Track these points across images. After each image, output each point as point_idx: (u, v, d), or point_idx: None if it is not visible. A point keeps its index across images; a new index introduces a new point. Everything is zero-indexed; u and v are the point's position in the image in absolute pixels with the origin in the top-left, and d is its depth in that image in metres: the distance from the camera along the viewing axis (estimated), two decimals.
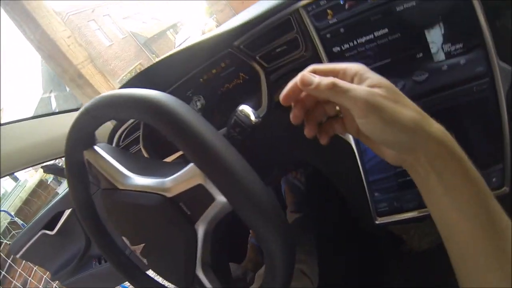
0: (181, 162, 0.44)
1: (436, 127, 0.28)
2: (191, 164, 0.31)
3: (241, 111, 0.36)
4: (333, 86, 0.28)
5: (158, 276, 0.46)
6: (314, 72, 0.31)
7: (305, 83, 0.30)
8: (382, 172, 0.49)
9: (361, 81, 0.29)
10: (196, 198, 0.31)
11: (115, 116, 0.37)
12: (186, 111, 0.28)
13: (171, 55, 0.55)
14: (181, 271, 0.38)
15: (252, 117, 0.36)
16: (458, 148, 0.28)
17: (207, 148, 0.27)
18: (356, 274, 0.71)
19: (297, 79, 0.31)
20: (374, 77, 0.29)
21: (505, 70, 0.42)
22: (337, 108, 0.34)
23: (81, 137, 0.42)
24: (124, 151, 0.46)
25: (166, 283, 0.50)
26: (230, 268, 0.69)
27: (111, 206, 0.43)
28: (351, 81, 0.30)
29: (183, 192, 0.32)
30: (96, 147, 0.43)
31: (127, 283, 1.97)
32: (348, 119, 0.34)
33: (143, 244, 0.41)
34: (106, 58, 11.47)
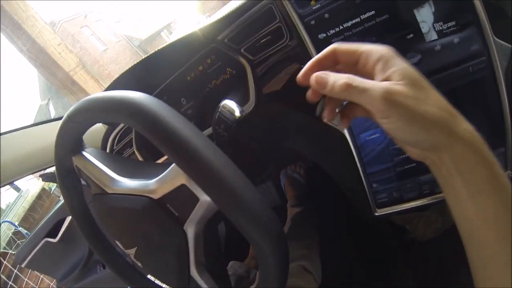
0: (169, 163, 0.44)
1: (464, 127, 0.26)
2: (173, 165, 0.30)
3: (224, 106, 0.35)
4: (348, 87, 0.27)
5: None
6: (335, 52, 0.30)
7: (320, 84, 0.28)
8: (381, 164, 0.48)
9: (384, 68, 0.27)
10: (182, 198, 0.31)
11: (96, 120, 0.37)
12: (163, 109, 0.28)
13: (154, 54, 0.54)
14: (175, 273, 0.37)
15: (236, 112, 0.35)
16: (488, 151, 0.26)
17: (185, 147, 0.26)
18: (361, 268, 0.70)
19: (313, 61, 0.30)
20: (400, 65, 0.27)
21: (503, 47, 0.40)
22: None
23: (68, 143, 0.42)
24: (113, 155, 0.46)
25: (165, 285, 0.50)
26: (227, 267, 0.68)
27: (102, 211, 0.43)
28: (374, 67, 0.28)
29: (168, 193, 0.31)
30: (84, 153, 0.43)
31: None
32: None
33: (136, 248, 0.40)
34: (102, 63, 11.47)
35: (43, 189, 2.84)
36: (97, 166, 0.40)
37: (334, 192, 0.73)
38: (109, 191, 0.38)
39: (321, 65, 0.30)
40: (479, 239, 0.27)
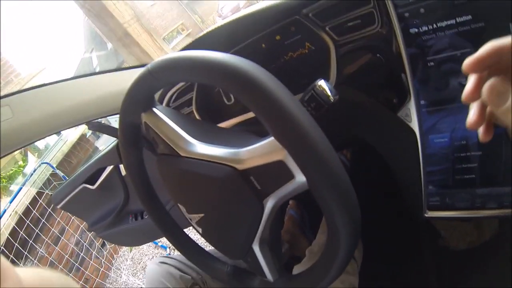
0: (245, 131, 0.43)
1: None
2: (271, 138, 0.29)
3: (320, 86, 0.34)
4: None
5: (209, 245, 0.46)
6: (498, 50, 0.25)
7: (497, 98, 0.23)
8: (441, 168, 0.47)
9: None
10: (272, 173, 0.30)
11: (181, 79, 0.36)
12: (274, 84, 0.27)
13: (235, 20, 0.53)
14: (239, 245, 0.38)
15: (331, 94, 0.34)
16: None
17: (295, 126, 0.26)
18: (392, 262, 0.71)
19: (487, 50, 0.25)
20: None
21: None
22: None
23: (141, 98, 0.40)
24: (184, 116, 0.44)
25: (200, 241, 0.51)
26: (281, 245, 0.69)
27: (169, 173, 0.42)
28: None
29: (257, 166, 0.30)
30: (155, 110, 0.41)
31: (158, 240, 2.12)
32: None
33: (202, 214, 0.40)
34: (148, 17, 11.33)
35: (82, 135, 2.94)
36: (170, 126, 0.39)
37: (378, 179, 0.73)
38: (182, 154, 0.37)
39: (481, 66, 0.26)
40: None
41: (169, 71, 0.33)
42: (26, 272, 0.23)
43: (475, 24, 0.40)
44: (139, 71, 0.84)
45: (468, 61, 0.26)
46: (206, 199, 0.38)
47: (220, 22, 0.54)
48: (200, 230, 0.43)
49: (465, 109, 0.43)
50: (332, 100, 0.34)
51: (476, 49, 0.40)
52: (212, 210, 0.39)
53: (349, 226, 0.28)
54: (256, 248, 0.37)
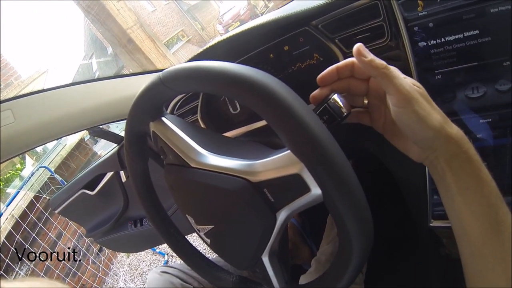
0: (255, 142, 0.43)
1: (456, 130, 0.31)
2: (287, 152, 0.28)
3: (334, 99, 0.34)
4: (385, 67, 0.31)
5: (215, 254, 0.45)
6: (353, 65, 0.35)
7: (361, 53, 0.32)
8: None
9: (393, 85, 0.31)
10: (287, 186, 0.30)
11: (195, 89, 0.35)
12: (293, 97, 0.27)
13: (244, 30, 0.53)
14: (248, 256, 0.37)
15: (345, 108, 0.34)
16: (474, 150, 0.31)
17: (314, 141, 0.25)
18: (395, 269, 0.71)
19: (341, 63, 0.35)
20: (410, 80, 0.33)
21: None
22: (365, 101, 0.37)
23: (150, 107, 0.39)
24: (193, 125, 0.44)
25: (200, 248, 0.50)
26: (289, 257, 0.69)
27: (178, 183, 0.41)
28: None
29: (272, 179, 0.30)
30: (164, 119, 0.40)
31: (156, 247, 2.10)
32: (376, 113, 0.37)
33: (213, 226, 0.39)
34: (148, 24, 11.43)
35: (81, 140, 2.92)
36: (180, 136, 0.38)
37: (381, 187, 0.73)
38: (193, 165, 0.36)
39: (339, 73, 0.36)
40: (467, 232, 0.32)
41: (183, 80, 0.33)
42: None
43: (482, 39, 0.41)
44: (140, 78, 0.85)
45: (321, 75, 0.37)
46: (217, 211, 0.38)
47: (230, 32, 0.54)
48: (208, 241, 0.42)
49: (471, 121, 0.44)
50: (345, 114, 0.34)
51: (481, 63, 0.42)
52: (222, 221, 0.38)
53: (362, 241, 0.28)
54: (265, 259, 0.37)
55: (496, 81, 0.42)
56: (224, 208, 0.36)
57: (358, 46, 0.33)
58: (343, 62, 0.36)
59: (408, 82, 0.31)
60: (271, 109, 0.27)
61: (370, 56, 0.32)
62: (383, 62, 0.32)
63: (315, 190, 0.28)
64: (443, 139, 0.31)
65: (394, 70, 0.32)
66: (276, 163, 0.30)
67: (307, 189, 0.28)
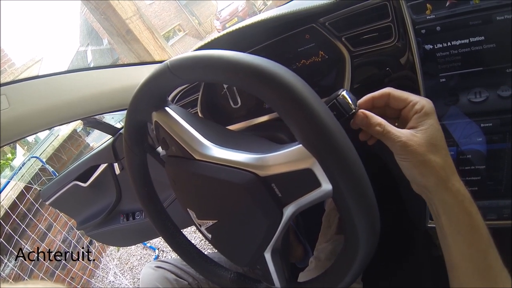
0: (260, 136, 0.42)
1: (457, 187, 0.32)
2: (299, 146, 0.28)
3: (343, 96, 0.33)
4: (383, 129, 0.34)
5: (216, 250, 0.44)
6: (388, 96, 0.35)
7: (363, 120, 0.35)
8: None
9: (419, 119, 0.33)
10: (296, 181, 0.29)
11: (205, 79, 0.34)
12: (308, 91, 0.26)
13: (250, 24, 0.52)
14: (250, 252, 0.36)
15: (352, 105, 0.34)
16: (471, 204, 0.32)
17: (328, 136, 0.25)
18: (391, 267, 0.71)
19: (377, 93, 0.36)
20: (430, 123, 0.33)
21: None
22: (396, 124, 0.37)
23: (154, 96, 0.38)
24: (197, 117, 0.42)
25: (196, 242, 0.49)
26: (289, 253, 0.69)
27: (180, 176, 0.40)
28: (413, 115, 0.34)
29: (281, 173, 0.29)
30: (168, 109, 0.39)
31: (147, 241, 2.08)
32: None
33: (215, 221, 0.38)
34: (146, 16, 11.35)
35: (74, 130, 2.85)
36: (184, 127, 0.37)
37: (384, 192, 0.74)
38: (197, 157, 0.35)
39: (374, 102, 0.36)
40: (456, 267, 0.33)
41: (191, 69, 0.32)
42: None
43: (487, 45, 0.42)
44: (138, 69, 0.82)
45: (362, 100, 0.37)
46: (221, 205, 0.36)
47: (236, 25, 0.53)
48: (209, 236, 0.41)
49: (473, 124, 0.44)
50: (353, 110, 0.34)
51: (484, 69, 0.42)
52: (226, 216, 0.37)
53: (369, 238, 0.28)
54: (267, 256, 0.36)
55: (498, 87, 0.43)
56: (228, 202, 0.35)
57: (362, 113, 0.35)
58: (378, 93, 0.36)
59: (405, 133, 0.33)
60: (286, 102, 0.26)
61: (372, 119, 0.34)
62: (381, 122, 0.34)
63: (326, 186, 0.27)
64: (439, 188, 0.32)
65: (391, 129, 0.33)
66: (287, 157, 0.29)
67: (317, 185, 0.28)
